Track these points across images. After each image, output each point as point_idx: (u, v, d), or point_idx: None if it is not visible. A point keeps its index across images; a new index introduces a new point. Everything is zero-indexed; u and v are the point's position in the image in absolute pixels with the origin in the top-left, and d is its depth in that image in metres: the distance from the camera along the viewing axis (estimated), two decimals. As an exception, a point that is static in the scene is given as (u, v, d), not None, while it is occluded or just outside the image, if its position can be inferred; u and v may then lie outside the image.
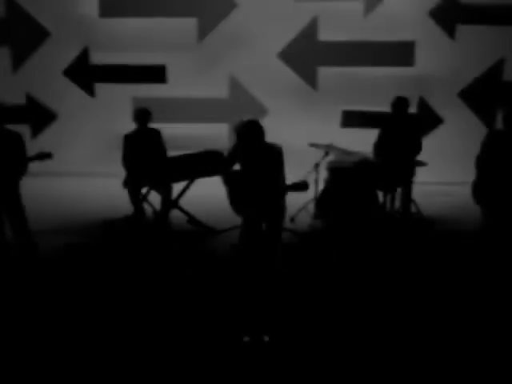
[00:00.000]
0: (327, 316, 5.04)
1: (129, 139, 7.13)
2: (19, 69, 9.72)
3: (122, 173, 7.20)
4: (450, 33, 9.18)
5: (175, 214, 7.33)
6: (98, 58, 9.63)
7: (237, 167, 5.42)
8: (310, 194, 7.57)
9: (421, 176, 7.58)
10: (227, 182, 5.06)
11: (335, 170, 7.47)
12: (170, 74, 9.62)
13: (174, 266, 6.12)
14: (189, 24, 9.46)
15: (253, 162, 4.91)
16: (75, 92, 9.75)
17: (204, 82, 9.57)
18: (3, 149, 5.35)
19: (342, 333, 4.75)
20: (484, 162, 5.25)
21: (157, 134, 7.31)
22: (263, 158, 4.92)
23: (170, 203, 7.22)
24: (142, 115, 7.17)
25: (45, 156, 5.67)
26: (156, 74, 9.62)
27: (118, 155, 7.16)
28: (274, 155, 4.95)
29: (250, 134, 4.88)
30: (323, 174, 7.73)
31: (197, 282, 5.72)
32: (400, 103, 7.24)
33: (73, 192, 8.81)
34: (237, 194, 5.07)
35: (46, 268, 5.81)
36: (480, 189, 5.30)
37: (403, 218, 7.32)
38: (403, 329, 4.80)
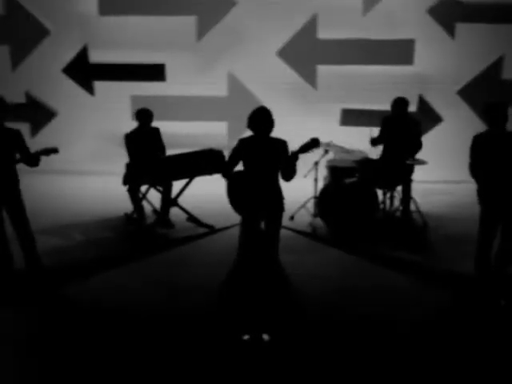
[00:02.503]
0: (326, 315, 5.05)
1: (129, 138, 7.15)
2: (19, 67, 9.71)
3: (121, 171, 7.21)
4: (450, 31, 9.18)
5: (175, 211, 7.35)
6: (97, 56, 9.63)
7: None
8: (309, 193, 7.60)
9: (420, 174, 7.59)
10: (228, 178, 5.05)
11: (335, 169, 7.48)
12: (170, 72, 9.61)
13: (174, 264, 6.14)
14: (188, 22, 9.45)
15: (256, 154, 4.89)
16: (74, 90, 9.75)
17: (203, 80, 9.57)
18: (3, 146, 5.39)
19: (340, 333, 4.76)
20: (476, 170, 5.29)
21: (156, 132, 7.32)
22: (267, 150, 4.91)
23: (170, 201, 7.23)
24: (145, 116, 7.18)
25: (51, 151, 5.72)
26: (155, 72, 9.61)
27: (117, 153, 7.16)
28: (278, 148, 4.94)
29: (259, 118, 4.88)
30: (323, 172, 7.75)
31: (196, 281, 5.73)
32: (399, 104, 7.26)
33: (72, 190, 8.80)
34: (237, 191, 5.06)
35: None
36: (484, 193, 5.30)
37: (403, 216, 7.33)
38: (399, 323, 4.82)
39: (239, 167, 5.19)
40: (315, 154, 7.38)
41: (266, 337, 4.62)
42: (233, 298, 5.19)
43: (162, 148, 7.32)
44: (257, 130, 4.96)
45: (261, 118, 4.93)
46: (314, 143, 4.87)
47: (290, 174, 4.98)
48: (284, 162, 4.93)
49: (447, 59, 9.22)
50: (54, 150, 5.70)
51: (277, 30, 9.31)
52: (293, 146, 5.05)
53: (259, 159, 4.93)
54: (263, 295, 5.15)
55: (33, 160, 5.55)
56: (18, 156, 5.52)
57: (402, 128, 7.25)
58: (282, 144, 4.99)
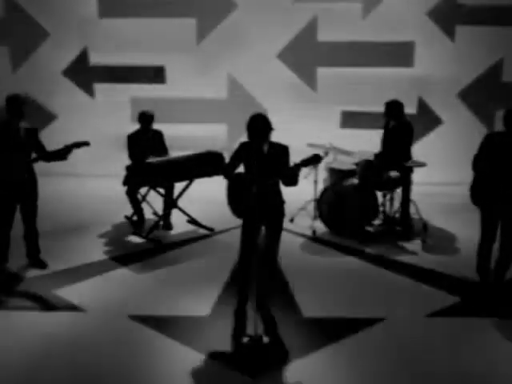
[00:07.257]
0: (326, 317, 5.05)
1: (131, 139, 7.15)
2: (18, 69, 9.70)
3: (121, 173, 7.21)
4: (450, 33, 9.18)
5: (175, 213, 7.35)
6: (97, 58, 9.62)
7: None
8: (309, 195, 7.60)
9: (420, 176, 7.58)
10: (228, 179, 5.01)
11: (334, 171, 7.47)
12: (169, 74, 9.61)
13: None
14: (188, 25, 9.45)
15: (256, 158, 4.86)
16: (74, 92, 9.74)
17: (203, 83, 9.57)
18: (24, 144, 5.66)
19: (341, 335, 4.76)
20: (479, 163, 5.29)
21: (159, 135, 7.32)
22: (267, 156, 4.89)
23: (170, 203, 7.23)
24: (144, 118, 7.17)
25: (82, 144, 5.91)
26: (155, 75, 9.61)
27: (117, 155, 7.16)
28: (278, 153, 4.92)
29: (253, 127, 4.85)
30: (322, 174, 7.75)
31: (195, 283, 5.73)
32: (388, 109, 7.24)
33: (71, 192, 8.79)
34: (236, 195, 5.04)
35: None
36: (477, 190, 5.32)
37: (402, 219, 7.33)
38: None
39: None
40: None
41: (265, 339, 4.62)
42: (233, 301, 5.19)
43: (165, 151, 7.32)
44: (253, 138, 4.91)
45: (254, 127, 4.86)
46: (315, 159, 4.83)
47: (290, 183, 4.94)
48: (284, 167, 4.88)
49: (447, 61, 9.21)
50: (85, 143, 5.86)
51: (277, 32, 9.31)
52: (291, 148, 5.03)
53: (258, 164, 4.89)
54: (263, 299, 5.15)
55: (58, 154, 5.80)
56: (34, 155, 5.79)
57: (393, 133, 7.22)
58: (282, 149, 4.96)
